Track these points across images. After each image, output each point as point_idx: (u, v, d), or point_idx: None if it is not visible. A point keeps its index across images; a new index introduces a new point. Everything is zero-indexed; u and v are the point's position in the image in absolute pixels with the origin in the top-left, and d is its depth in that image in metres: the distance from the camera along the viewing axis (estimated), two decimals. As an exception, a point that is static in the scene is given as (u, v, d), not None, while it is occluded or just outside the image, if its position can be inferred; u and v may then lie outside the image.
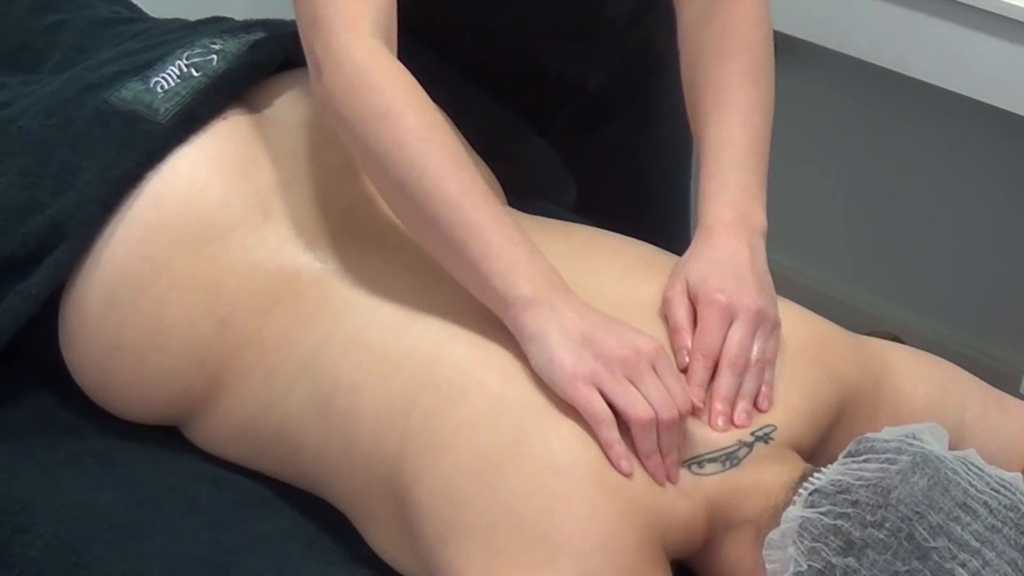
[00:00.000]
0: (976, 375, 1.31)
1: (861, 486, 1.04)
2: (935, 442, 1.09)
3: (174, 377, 1.24)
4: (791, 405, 1.16)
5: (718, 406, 1.13)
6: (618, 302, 1.17)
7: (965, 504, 1.02)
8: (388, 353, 1.16)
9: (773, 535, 1.06)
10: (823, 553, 1.03)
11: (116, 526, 1.18)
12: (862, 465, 1.07)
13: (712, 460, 1.12)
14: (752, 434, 1.13)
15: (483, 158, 1.41)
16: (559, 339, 1.09)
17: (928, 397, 1.25)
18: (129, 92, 1.27)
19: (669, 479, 1.09)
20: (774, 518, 1.07)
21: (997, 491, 1.04)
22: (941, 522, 1.01)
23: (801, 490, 1.08)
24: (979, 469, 1.06)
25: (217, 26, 1.39)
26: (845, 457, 1.09)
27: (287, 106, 1.31)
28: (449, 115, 1.39)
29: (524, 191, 1.44)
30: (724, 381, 1.14)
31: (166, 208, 1.23)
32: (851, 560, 1.02)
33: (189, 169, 1.24)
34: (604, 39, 1.53)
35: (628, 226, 1.33)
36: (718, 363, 1.14)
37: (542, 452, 1.07)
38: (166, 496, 1.23)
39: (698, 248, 1.22)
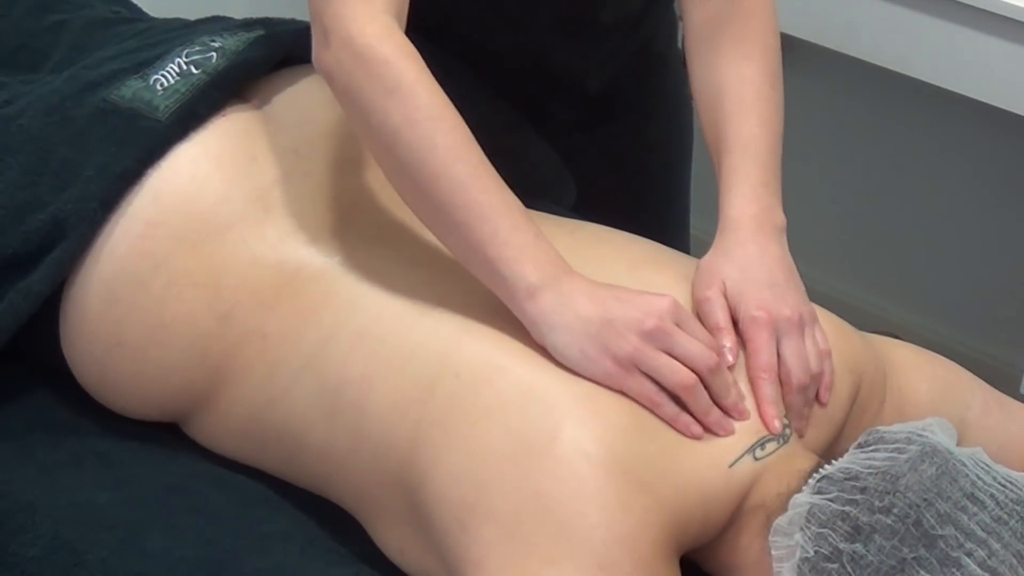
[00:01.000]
0: (976, 375, 1.32)
1: (870, 474, 1.05)
2: (944, 436, 1.10)
3: (175, 373, 1.24)
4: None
5: (798, 423, 1.15)
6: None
7: (973, 495, 1.03)
8: (401, 345, 1.16)
9: (780, 521, 1.07)
10: (830, 539, 1.03)
11: (116, 526, 1.18)
12: (871, 455, 1.07)
13: (771, 440, 1.13)
14: (783, 425, 1.15)
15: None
16: (581, 327, 1.09)
17: (931, 394, 1.26)
18: (129, 90, 1.28)
19: (738, 417, 1.12)
20: (783, 505, 1.08)
21: (1004, 486, 1.04)
22: (949, 511, 1.02)
23: (810, 478, 1.08)
24: (987, 465, 1.06)
25: (217, 24, 1.39)
26: (855, 448, 1.10)
27: (287, 102, 1.31)
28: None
29: (524, 190, 1.43)
30: (796, 401, 1.16)
31: (166, 204, 1.23)
32: (858, 546, 1.02)
33: (189, 166, 1.24)
34: (606, 39, 1.53)
35: (628, 225, 1.33)
36: (784, 383, 1.16)
37: (578, 438, 1.07)
38: (166, 496, 1.23)
39: (728, 245, 1.23)
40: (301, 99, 1.31)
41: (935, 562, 1.00)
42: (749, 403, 1.14)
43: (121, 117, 1.25)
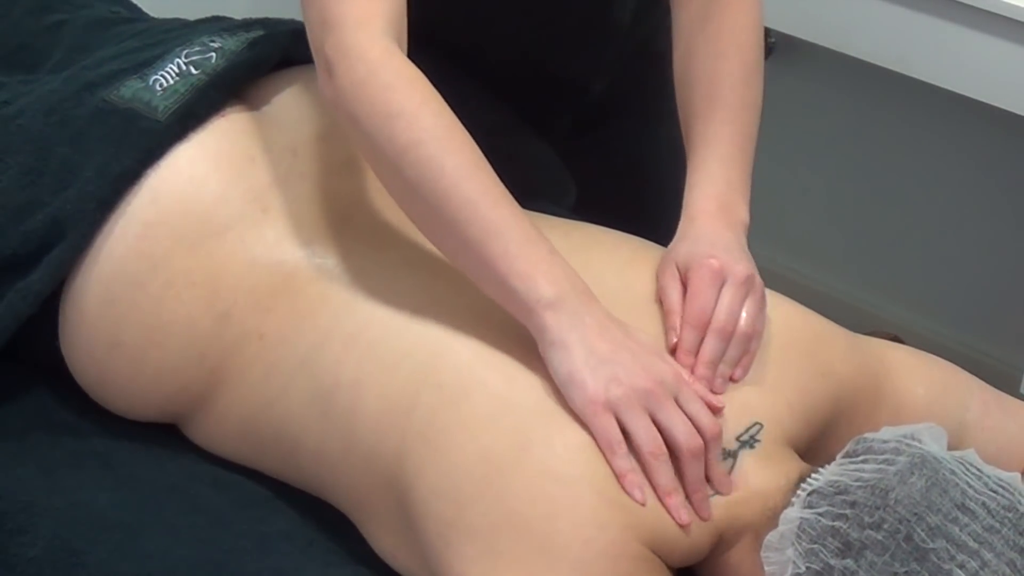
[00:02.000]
0: (976, 375, 1.31)
1: (859, 487, 1.04)
2: (933, 442, 1.09)
3: (173, 373, 1.24)
4: (779, 398, 1.16)
5: (701, 370, 1.13)
6: (616, 296, 1.17)
7: (963, 505, 1.02)
8: (389, 351, 1.16)
9: (771, 537, 1.06)
10: (821, 555, 1.03)
11: (116, 526, 1.18)
12: (860, 466, 1.06)
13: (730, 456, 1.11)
14: (737, 439, 1.13)
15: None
16: (582, 355, 1.08)
17: (928, 396, 1.26)
18: (128, 90, 1.28)
19: (698, 513, 1.09)
20: (772, 520, 1.07)
21: (995, 492, 1.04)
22: (939, 523, 1.01)
23: (799, 491, 1.07)
24: (978, 470, 1.05)
25: (216, 25, 1.39)
26: (843, 457, 1.09)
27: (286, 103, 1.31)
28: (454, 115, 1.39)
29: (523, 190, 1.43)
30: (709, 346, 1.14)
31: (165, 205, 1.23)
32: (849, 562, 1.01)
33: (188, 166, 1.24)
34: (608, 42, 1.53)
35: (628, 225, 1.33)
36: (708, 329, 1.15)
37: (545, 459, 1.07)
38: (166, 496, 1.23)
39: (683, 234, 1.23)
40: (300, 100, 1.31)
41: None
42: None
43: (120, 117, 1.25)
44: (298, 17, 1.29)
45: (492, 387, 1.11)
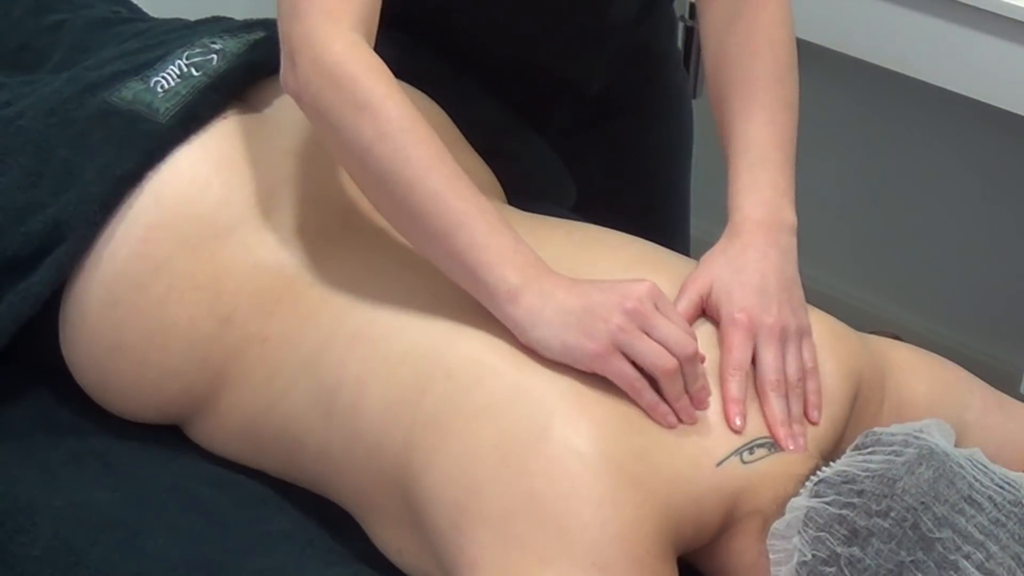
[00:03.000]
0: (976, 375, 1.31)
1: (867, 477, 1.05)
2: (941, 438, 1.09)
3: (175, 376, 1.24)
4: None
5: (781, 431, 1.14)
6: None
7: (970, 497, 1.03)
8: (393, 346, 1.16)
9: (778, 525, 1.07)
10: (828, 543, 1.03)
11: (116, 526, 1.18)
12: (868, 457, 1.07)
13: (760, 445, 1.13)
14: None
15: (483, 157, 1.41)
16: (562, 319, 1.10)
17: (929, 395, 1.26)
18: (129, 92, 1.27)
19: (698, 407, 1.11)
20: (780, 509, 1.08)
21: (1002, 487, 1.04)
22: (946, 513, 1.02)
23: (808, 481, 1.08)
24: (984, 466, 1.06)
25: (217, 26, 1.39)
26: (852, 450, 1.10)
27: (287, 105, 1.30)
28: (449, 113, 1.39)
29: (524, 191, 1.44)
30: (773, 406, 1.15)
31: (166, 207, 1.23)
32: (856, 549, 1.02)
33: (189, 168, 1.24)
34: (608, 42, 1.53)
35: (628, 225, 1.33)
36: (760, 389, 1.15)
37: (567, 436, 1.07)
38: (166, 496, 1.23)
39: (727, 247, 1.23)
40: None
41: (933, 565, 1.00)
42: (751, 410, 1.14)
43: (121, 119, 1.25)
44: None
45: (503, 373, 1.11)
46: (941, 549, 1.01)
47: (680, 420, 1.11)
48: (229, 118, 1.28)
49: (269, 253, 1.23)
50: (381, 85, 1.13)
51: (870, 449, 1.08)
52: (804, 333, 1.19)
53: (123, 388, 1.26)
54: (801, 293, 1.22)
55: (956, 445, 1.12)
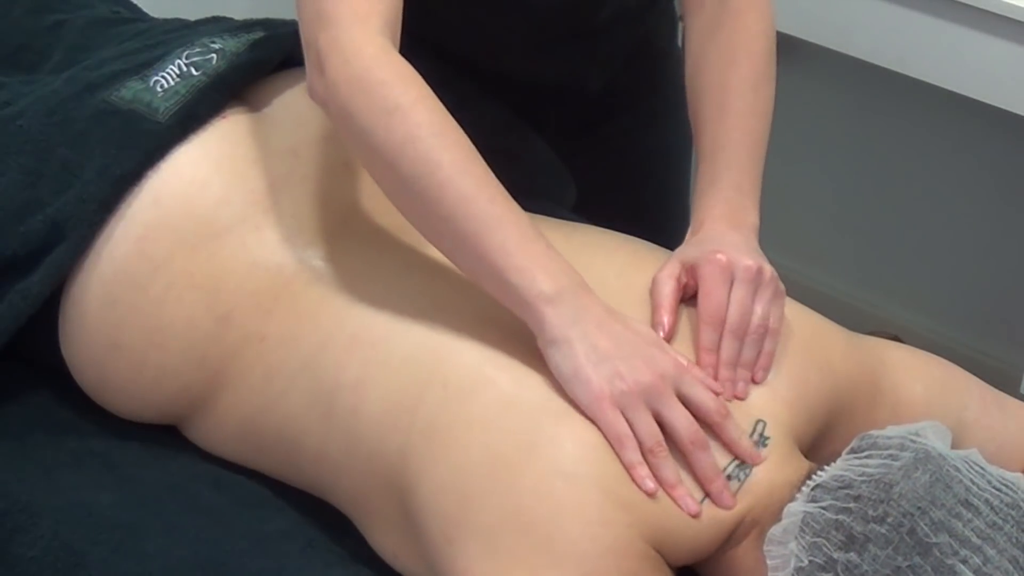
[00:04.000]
0: (976, 375, 1.31)
1: (863, 481, 1.04)
2: (938, 440, 1.09)
3: (174, 375, 1.24)
4: (777, 395, 1.16)
5: (723, 372, 1.14)
6: (618, 297, 1.17)
7: (967, 501, 1.02)
8: (392, 352, 1.16)
9: (774, 531, 1.06)
10: (824, 548, 1.03)
11: (116, 526, 1.18)
12: (864, 461, 1.07)
13: (740, 466, 1.11)
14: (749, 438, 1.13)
15: (483, 157, 1.41)
16: (585, 351, 1.09)
17: (927, 395, 1.26)
18: (129, 91, 1.27)
19: (722, 505, 1.09)
20: (776, 516, 1.07)
21: (999, 489, 1.04)
22: (943, 518, 1.01)
23: (803, 487, 1.08)
24: (981, 468, 1.06)
25: (217, 26, 1.39)
26: (848, 454, 1.09)
27: (287, 104, 1.31)
28: (449, 112, 1.39)
29: (524, 191, 1.43)
30: (726, 347, 1.14)
31: (166, 207, 1.23)
32: (853, 555, 1.02)
33: (189, 168, 1.24)
34: (606, 40, 1.53)
35: (628, 225, 1.33)
36: (725, 328, 1.15)
37: (555, 456, 1.07)
38: (166, 496, 1.23)
39: (688, 237, 1.24)
40: (301, 101, 1.30)
41: (930, 570, 1.00)
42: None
43: (121, 118, 1.25)
44: (299, 17, 1.29)
45: (500, 385, 1.11)
46: (938, 554, 1.00)
47: (675, 501, 1.09)
48: (228, 117, 1.28)
49: (268, 253, 1.23)
50: (412, 89, 1.13)
51: (866, 453, 1.08)
52: (780, 292, 1.19)
53: (122, 387, 1.26)
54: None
55: (954, 445, 1.11)
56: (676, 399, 1.10)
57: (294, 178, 1.27)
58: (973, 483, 1.04)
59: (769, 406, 1.15)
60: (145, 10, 1.61)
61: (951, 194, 2.36)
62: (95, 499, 1.21)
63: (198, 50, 1.30)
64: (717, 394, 1.12)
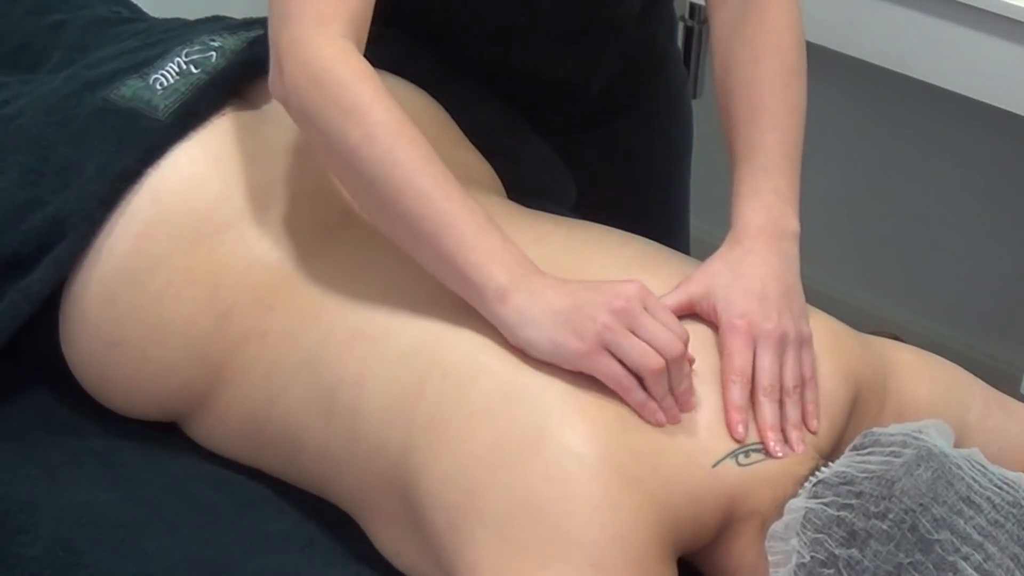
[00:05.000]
0: (976, 375, 1.31)
1: (865, 478, 1.04)
2: (940, 438, 1.09)
3: (174, 372, 1.24)
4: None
5: (770, 436, 1.13)
6: None
7: (968, 498, 1.02)
8: (391, 347, 1.16)
9: (776, 526, 1.06)
10: (826, 544, 1.03)
11: (116, 526, 1.18)
12: (866, 458, 1.07)
13: (756, 450, 1.12)
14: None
15: (483, 157, 1.41)
16: (551, 318, 1.09)
17: (931, 396, 1.26)
18: (128, 89, 1.28)
19: (683, 408, 1.11)
20: (779, 511, 1.07)
21: (1000, 488, 1.04)
22: (944, 515, 1.01)
23: (806, 483, 1.08)
24: (983, 466, 1.06)
25: (216, 24, 1.39)
26: (851, 451, 1.10)
27: (286, 102, 1.31)
28: (449, 113, 1.39)
29: (524, 190, 1.44)
30: (765, 411, 1.14)
31: (165, 204, 1.23)
32: (854, 551, 1.02)
33: (188, 165, 1.24)
34: (610, 40, 1.53)
35: (628, 225, 1.33)
36: (754, 394, 1.14)
37: (565, 437, 1.07)
38: (166, 496, 1.23)
39: (728, 252, 1.22)
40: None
41: (931, 567, 1.00)
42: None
43: (121, 116, 1.25)
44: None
45: (499, 374, 1.11)
46: (939, 551, 1.00)
47: (671, 417, 1.10)
48: (228, 115, 1.28)
49: (267, 249, 1.24)
50: (368, 89, 1.13)
51: (868, 450, 1.08)
52: (804, 341, 1.18)
53: (122, 384, 1.26)
54: (803, 300, 1.21)
55: (957, 446, 1.11)
56: (649, 316, 1.10)
57: (294, 175, 1.27)
58: (975, 481, 1.04)
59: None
60: (145, 10, 1.61)
61: (951, 194, 2.36)
62: (95, 499, 1.21)
63: (198, 48, 1.30)
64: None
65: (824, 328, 1.23)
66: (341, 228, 1.26)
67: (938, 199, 2.38)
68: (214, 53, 1.30)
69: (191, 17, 1.45)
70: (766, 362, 1.15)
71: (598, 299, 1.10)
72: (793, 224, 1.24)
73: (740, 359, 1.15)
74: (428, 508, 1.10)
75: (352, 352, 1.17)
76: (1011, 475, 1.06)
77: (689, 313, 1.19)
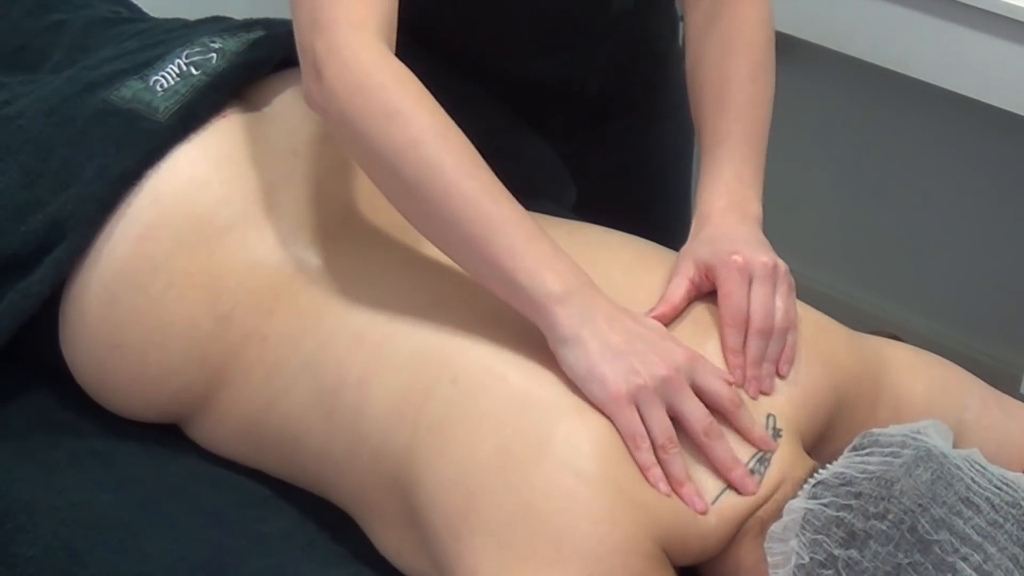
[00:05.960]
0: (976, 375, 1.31)
1: (864, 478, 1.05)
2: (939, 439, 1.09)
3: (174, 374, 1.24)
4: (781, 390, 1.17)
5: (752, 371, 1.14)
6: (624, 294, 1.16)
7: (968, 499, 1.02)
8: (397, 348, 1.16)
9: (775, 528, 1.06)
10: (825, 545, 1.03)
11: (116, 526, 1.18)
12: (865, 458, 1.07)
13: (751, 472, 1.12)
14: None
15: (483, 157, 1.41)
16: (598, 348, 1.09)
17: (927, 394, 1.26)
18: (129, 91, 1.28)
19: (745, 492, 1.10)
20: (778, 512, 1.08)
21: (1000, 488, 1.04)
22: (943, 516, 1.01)
23: (805, 484, 1.08)
24: (982, 467, 1.06)
25: (217, 25, 1.39)
26: (850, 451, 1.10)
27: (286, 104, 1.31)
28: (449, 113, 1.39)
29: (524, 191, 1.43)
30: (753, 346, 1.15)
31: (165, 206, 1.23)
32: (853, 552, 1.02)
33: (189, 167, 1.24)
34: (608, 40, 1.53)
35: (630, 225, 1.33)
36: (749, 328, 1.16)
37: (567, 453, 1.07)
38: (166, 496, 1.23)
39: (698, 233, 1.24)
40: (301, 100, 1.29)
41: (930, 567, 1.00)
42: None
43: (121, 118, 1.25)
44: (299, 18, 1.29)
45: (511, 382, 1.11)
46: (939, 551, 1.00)
47: (683, 500, 1.09)
48: (228, 117, 1.28)
49: (268, 251, 1.24)
50: (411, 93, 1.13)
51: (868, 450, 1.08)
52: (792, 281, 1.20)
53: (122, 386, 1.26)
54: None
55: (955, 445, 1.11)
56: (690, 391, 1.10)
57: (294, 177, 1.27)
58: (974, 481, 1.04)
59: (776, 401, 1.15)
60: (145, 10, 1.61)
61: (951, 194, 2.36)
62: (95, 499, 1.21)
63: (198, 49, 1.30)
64: (730, 384, 1.12)
65: (807, 318, 1.23)
66: (343, 231, 1.26)
67: (938, 199, 2.38)
68: (214, 55, 1.30)
69: (191, 17, 1.45)
70: (760, 295, 1.17)
71: (651, 357, 1.09)
72: (755, 208, 1.25)
73: (736, 298, 1.16)
74: (429, 510, 1.10)
75: (355, 355, 1.17)
76: (1010, 475, 1.06)
77: (696, 296, 1.20)
